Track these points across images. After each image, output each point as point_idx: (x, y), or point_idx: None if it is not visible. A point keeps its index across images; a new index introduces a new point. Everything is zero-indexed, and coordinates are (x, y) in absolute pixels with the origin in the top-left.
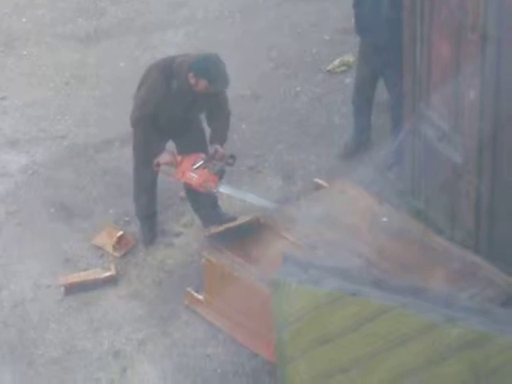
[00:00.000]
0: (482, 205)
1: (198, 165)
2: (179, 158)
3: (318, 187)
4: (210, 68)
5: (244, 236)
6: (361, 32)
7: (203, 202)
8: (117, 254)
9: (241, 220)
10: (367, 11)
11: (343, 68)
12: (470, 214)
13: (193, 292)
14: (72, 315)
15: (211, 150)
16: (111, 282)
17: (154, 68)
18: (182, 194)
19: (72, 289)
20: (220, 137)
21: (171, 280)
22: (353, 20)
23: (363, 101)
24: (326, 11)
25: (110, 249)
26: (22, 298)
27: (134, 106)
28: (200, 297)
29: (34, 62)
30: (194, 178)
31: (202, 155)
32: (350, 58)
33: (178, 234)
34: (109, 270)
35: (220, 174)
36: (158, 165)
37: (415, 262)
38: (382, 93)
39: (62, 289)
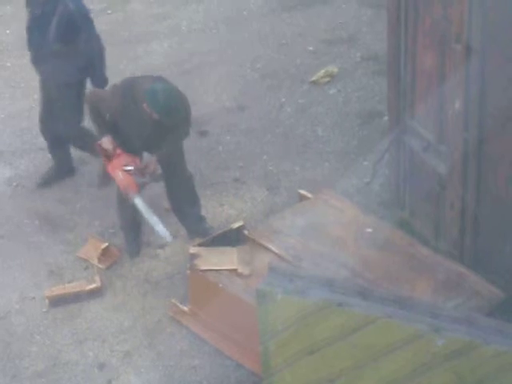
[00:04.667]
0: (466, 215)
1: (127, 168)
2: (118, 152)
3: (303, 198)
4: (161, 101)
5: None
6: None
7: (188, 214)
8: (102, 266)
9: (225, 228)
10: (34, 40)
11: (327, 79)
12: (454, 224)
13: (178, 303)
14: (57, 327)
15: (147, 161)
16: (96, 293)
17: (115, 89)
18: (167, 205)
19: (57, 301)
20: (162, 154)
21: (156, 291)
22: (337, 31)
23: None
24: (310, 22)
25: (95, 261)
26: (7, 311)
27: None
28: (185, 308)
29: (18, 73)
30: (119, 177)
31: (137, 160)
32: (334, 68)
33: (162, 246)
34: (94, 281)
35: (141, 186)
36: (100, 146)
37: (400, 273)
38: (365, 104)
39: (47, 301)
